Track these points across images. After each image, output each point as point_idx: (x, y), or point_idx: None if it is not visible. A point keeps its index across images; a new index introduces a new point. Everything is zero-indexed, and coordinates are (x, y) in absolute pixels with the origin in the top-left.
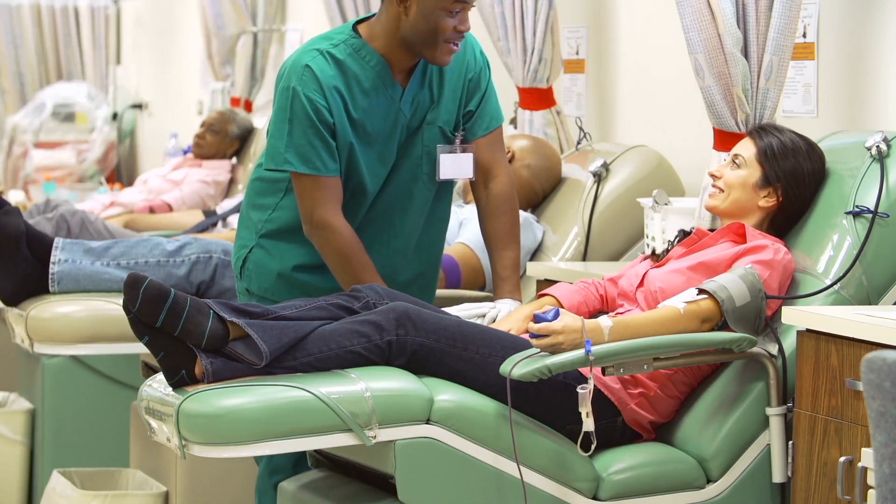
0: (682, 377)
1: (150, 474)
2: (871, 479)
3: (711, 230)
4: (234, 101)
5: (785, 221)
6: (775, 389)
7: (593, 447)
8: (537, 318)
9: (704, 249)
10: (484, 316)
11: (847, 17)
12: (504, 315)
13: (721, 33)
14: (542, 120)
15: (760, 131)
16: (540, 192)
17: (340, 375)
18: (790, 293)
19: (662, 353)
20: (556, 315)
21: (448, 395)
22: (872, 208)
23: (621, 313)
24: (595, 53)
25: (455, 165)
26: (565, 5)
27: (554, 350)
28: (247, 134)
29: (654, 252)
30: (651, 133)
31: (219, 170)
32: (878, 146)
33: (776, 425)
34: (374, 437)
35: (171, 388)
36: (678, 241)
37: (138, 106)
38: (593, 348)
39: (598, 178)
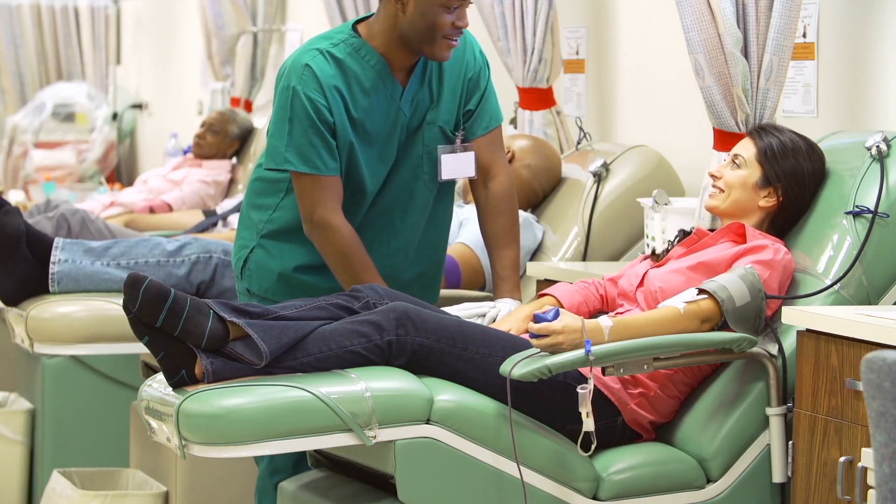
0: (682, 377)
1: (150, 474)
2: (871, 479)
3: (711, 230)
4: (234, 101)
5: (785, 221)
6: (775, 389)
7: (593, 447)
8: (537, 318)
9: (704, 249)
10: (484, 316)
11: (847, 17)
12: (504, 315)
13: (721, 33)
14: (542, 120)
15: (760, 131)
16: (540, 192)
17: (340, 375)
18: (790, 293)
19: (662, 353)
20: (556, 315)
21: (448, 395)
22: (872, 208)
23: (621, 313)
24: (595, 53)
25: (456, 165)
26: (565, 5)
27: (554, 350)
28: (247, 134)
29: (654, 252)
30: (651, 133)
31: (219, 170)
32: (878, 146)
33: (776, 425)
34: (374, 437)
35: (171, 388)
36: (678, 241)
37: (138, 106)
38: (593, 348)
39: (598, 178)
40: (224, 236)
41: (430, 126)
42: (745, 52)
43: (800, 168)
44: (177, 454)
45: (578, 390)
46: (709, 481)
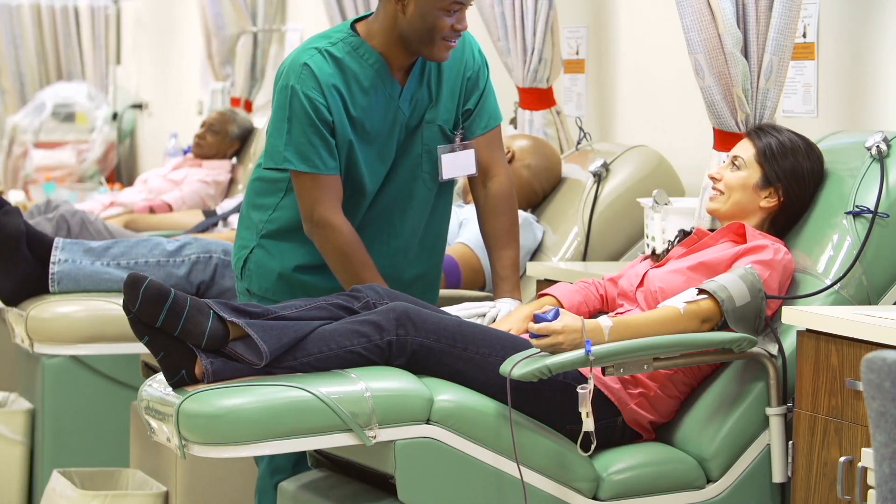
0: (682, 377)
1: (150, 474)
2: (871, 479)
3: (711, 230)
4: (234, 101)
5: (785, 221)
6: (775, 389)
7: (593, 447)
8: (537, 318)
9: (704, 249)
10: (484, 316)
11: (847, 17)
12: (504, 314)
13: (721, 33)
14: (542, 120)
15: (759, 132)
16: (540, 192)
17: (340, 375)
18: (790, 293)
19: (662, 353)
20: (556, 315)
21: (448, 395)
22: (872, 208)
23: (621, 313)
24: (595, 53)
25: (457, 164)
26: (565, 5)
27: (554, 350)
28: (247, 134)
29: (654, 252)
30: (651, 133)
31: (219, 170)
32: (878, 146)
33: (776, 425)
34: (374, 437)
35: (171, 388)
36: (678, 241)
37: (138, 106)
38: (593, 348)
39: (598, 178)
40: (224, 236)
41: (429, 125)
42: (745, 52)
43: (799, 167)
44: (177, 454)
45: (578, 390)
46: (709, 481)
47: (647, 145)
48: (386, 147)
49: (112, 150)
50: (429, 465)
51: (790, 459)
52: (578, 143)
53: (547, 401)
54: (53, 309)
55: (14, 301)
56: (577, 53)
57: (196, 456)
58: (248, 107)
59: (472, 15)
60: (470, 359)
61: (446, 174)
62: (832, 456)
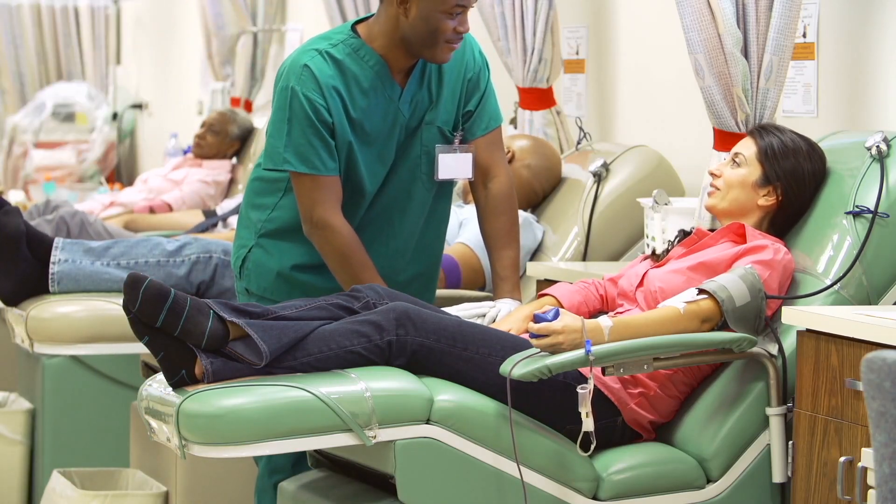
0: (682, 377)
1: (150, 474)
2: (871, 479)
3: (711, 230)
4: (234, 101)
5: (785, 221)
6: (775, 389)
7: (593, 447)
8: (537, 318)
9: (704, 249)
10: (484, 316)
11: (847, 17)
12: (504, 315)
13: (721, 33)
14: (542, 120)
15: (761, 131)
16: (540, 192)
17: (340, 375)
18: (790, 293)
19: (662, 353)
20: (556, 315)
21: (448, 395)
22: (872, 208)
23: (621, 313)
24: (595, 53)
25: (454, 165)
26: (565, 5)
27: (554, 350)
28: (247, 134)
29: (654, 252)
30: (651, 133)
31: (219, 170)
32: (878, 146)
33: (776, 425)
34: (374, 437)
35: (171, 388)
36: (678, 241)
37: (138, 106)
38: (593, 348)
39: (598, 178)
40: (224, 236)
41: (429, 126)
42: (745, 52)
43: (800, 168)
44: (177, 454)
45: (578, 390)
46: (709, 481)
47: (647, 145)
48: (385, 148)
49: (112, 150)
50: (429, 465)
51: (790, 459)
52: (578, 143)
53: (547, 401)
54: (53, 309)
55: (14, 301)
56: (577, 53)
57: (196, 456)
58: (248, 107)
59: (472, 15)
60: (470, 359)
61: (442, 174)
62: (832, 456)
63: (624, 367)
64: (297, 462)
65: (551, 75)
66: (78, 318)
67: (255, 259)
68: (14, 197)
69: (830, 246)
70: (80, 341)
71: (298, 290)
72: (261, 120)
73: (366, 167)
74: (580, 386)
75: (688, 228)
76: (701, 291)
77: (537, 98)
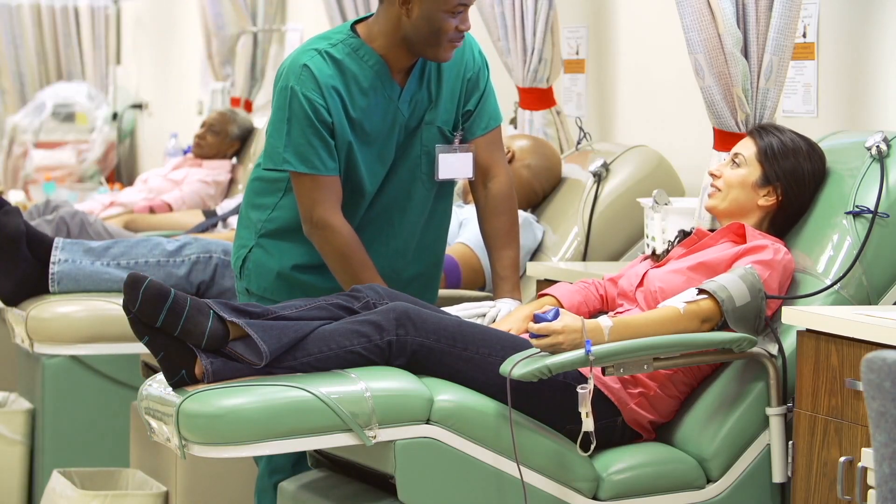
0: (682, 377)
1: (150, 474)
2: (871, 479)
3: (711, 230)
4: (234, 101)
5: (785, 221)
6: (775, 389)
7: (593, 447)
8: (537, 318)
9: (704, 249)
10: (484, 316)
11: (847, 17)
12: (504, 314)
13: (721, 33)
14: (542, 120)
15: (761, 131)
16: (540, 192)
17: (340, 375)
18: (790, 293)
19: (662, 353)
20: (556, 315)
21: (448, 395)
22: (872, 208)
23: (621, 313)
24: (595, 53)
25: (454, 165)
26: (565, 5)
27: (554, 350)
28: (247, 134)
29: (654, 252)
30: (651, 133)
31: (219, 170)
32: (878, 146)
33: (776, 425)
34: (374, 437)
35: (171, 388)
36: (678, 242)
37: (138, 106)
38: (593, 348)
39: (598, 178)
40: (224, 236)
41: (429, 126)
42: (745, 52)
43: (800, 168)
44: (177, 454)
45: (578, 390)
46: (709, 481)
47: (646, 145)
48: (385, 148)
49: (112, 150)
50: (429, 465)
51: (790, 459)
52: (578, 143)
53: (547, 401)
54: (53, 309)
55: (14, 301)
56: (577, 53)
57: (196, 456)
58: (248, 107)
59: (472, 15)
60: (470, 359)
61: (442, 174)
62: (832, 456)
63: (624, 367)
64: (297, 462)
65: (551, 75)
66: (78, 318)
67: (255, 259)
68: (14, 197)
69: (830, 246)
70: (80, 341)
71: (298, 290)
72: (261, 120)
73: (366, 167)
74: (580, 386)
75: (688, 228)
76: (701, 291)
77: (537, 98)
